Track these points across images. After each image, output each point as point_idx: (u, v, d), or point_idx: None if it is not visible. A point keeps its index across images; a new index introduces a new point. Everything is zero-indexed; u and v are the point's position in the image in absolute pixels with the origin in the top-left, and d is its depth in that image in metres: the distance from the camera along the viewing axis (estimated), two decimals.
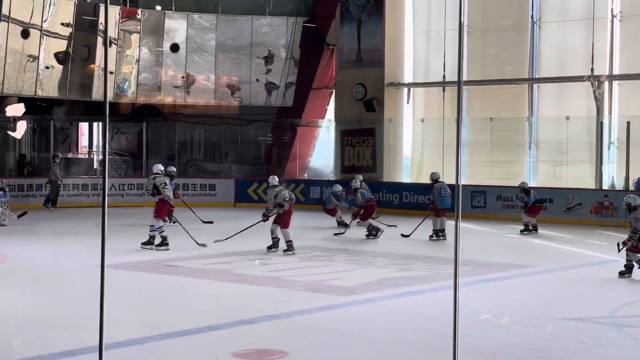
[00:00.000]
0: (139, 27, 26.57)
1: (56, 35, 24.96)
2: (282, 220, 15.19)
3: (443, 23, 25.26)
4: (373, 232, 17.82)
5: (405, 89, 26.62)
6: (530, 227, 19.05)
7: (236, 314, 9.67)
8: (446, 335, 8.63)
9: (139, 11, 26.71)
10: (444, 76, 25.47)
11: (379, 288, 11.81)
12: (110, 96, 26.39)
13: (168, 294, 11.29)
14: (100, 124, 28.54)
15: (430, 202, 18.15)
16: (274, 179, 15.82)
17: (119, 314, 9.05)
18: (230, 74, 27.53)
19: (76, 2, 25.24)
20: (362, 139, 26.32)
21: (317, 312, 10.01)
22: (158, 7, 27.30)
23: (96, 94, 25.98)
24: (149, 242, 15.49)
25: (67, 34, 25.15)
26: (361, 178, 19.29)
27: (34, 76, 24.63)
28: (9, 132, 25.23)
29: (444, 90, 25.51)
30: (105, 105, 4.01)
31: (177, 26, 27.14)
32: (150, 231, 15.57)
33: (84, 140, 29.77)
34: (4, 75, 23.84)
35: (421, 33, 26.38)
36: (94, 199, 24.77)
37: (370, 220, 18.13)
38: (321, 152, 28.34)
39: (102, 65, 25.97)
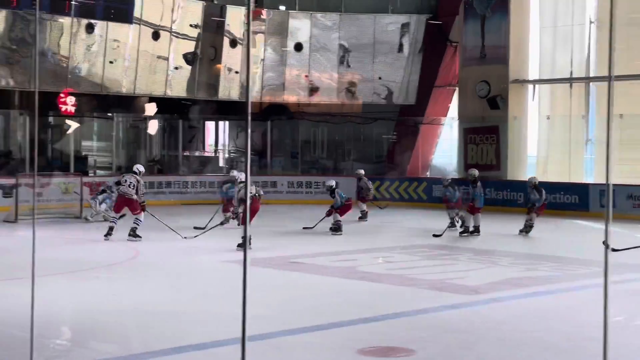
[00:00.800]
0: (263, 27, 27.03)
1: (185, 37, 25.68)
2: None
3: (570, 18, 24.66)
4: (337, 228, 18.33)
5: (530, 86, 26.10)
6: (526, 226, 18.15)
7: (361, 311, 9.73)
8: (577, 338, 8.45)
9: (264, 11, 27.17)
10: (571, 72, 24.87)
11: (505, 288, 11.65)
12: (235, 95, 26.98)
13: (294, 290, 11.45)
14: (227, 122, 29.23)
15: (470, 199, 18.14)
16: (240, 175, 16.86)
17: (247, 309, 9.24)
18: (353, 72, 27.65)
19: (204, 4, 25.92)
20: (486, 136, 25.97)
21: (442, 311, 9.97)
22: (282, 7, 27.70)
23: (222, 94, 26.61)
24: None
25: (195, 35, 25.84)
26: (332, 183, 19.46)
27: (163, 77, 25.41)
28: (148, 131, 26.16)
29: (571, 86, 24.92)
30: (247, 120, 4.14)
31: (300, 26, 27.46)
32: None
33: (210, 139, 30.51)
34: (136, 76, 24.70)
35: (547, 29, 25.81)
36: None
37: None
38: (444, 150, 28.14)
39: (228, 66, 26.58)
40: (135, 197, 16.41)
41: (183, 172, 26.82)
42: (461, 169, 26.33)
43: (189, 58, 25.91)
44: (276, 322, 9.05)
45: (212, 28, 26.18)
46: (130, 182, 16.53)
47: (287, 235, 18.24)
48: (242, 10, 26.57)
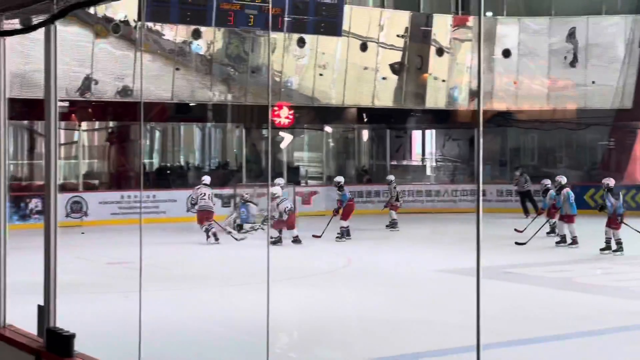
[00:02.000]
0: (470, 35, 26.79)
1: (391, 47, 25.91)
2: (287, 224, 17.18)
3: None
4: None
5: None
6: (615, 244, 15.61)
7: (581, 324, 9.42)
8: None
9: (471, 18, 26.93)
10: None
11: None
12: (442, 104, 26.93)
13: (507, 300, 11.25)
14: (434, 131, 29.19)
15: (551, 205, 17.48)
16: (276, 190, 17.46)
17: (459, 318, 9.19)
18: (564, 77, 26.79)
19: (410, 14, 26.05)
20: None
21: None
22: (489, 14, 27.34)
23: (429, 102, 26.62)
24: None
25: (402, 45, 26.01)
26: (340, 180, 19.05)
27: (371, 87, 25.76)
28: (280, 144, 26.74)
29: None
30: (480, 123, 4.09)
31: (508, 31, 26.98)
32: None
33: (417, 148, 30.58)
34: (344, 88, 25.21)
35: None
36: (428, 205, 25.42)
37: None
38: None
39: (435, 75, 26.56)
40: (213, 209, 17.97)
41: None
42: None
43: (396, 68, 26.12)
44: (489, 333, 8.92)
45: (419, 37, 26.25)
46: (209, 195, 17.92)
47: (496, 244, 17.93)
48: (448, 18, 26.47)
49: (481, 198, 3.85)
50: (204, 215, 17.79)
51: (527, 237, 17.14)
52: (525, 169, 25.74)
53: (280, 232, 17.26)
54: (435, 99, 26.76)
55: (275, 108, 23.87)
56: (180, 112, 25.08)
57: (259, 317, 7.81)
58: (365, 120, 25.46)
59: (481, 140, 3.84)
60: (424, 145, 30.56)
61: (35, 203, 20.40)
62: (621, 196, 16.42)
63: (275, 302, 10.06)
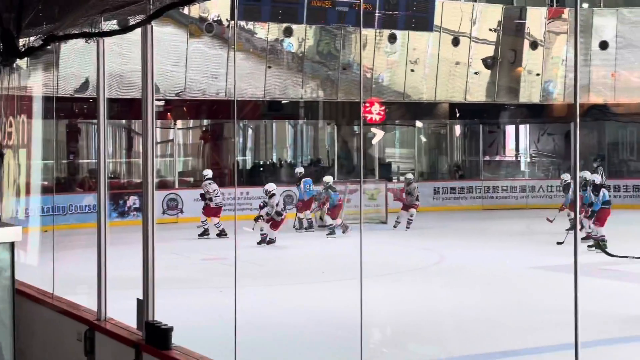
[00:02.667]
0: (565, 27, 26.22)
1: (484, 41, 25.57)
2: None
3: None
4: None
5: None
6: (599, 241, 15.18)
7: None
8: None
9: (566, 10, 26.36)
10: None
11: None
12: (536, 98, 26.45)
13: (605, 298, 10.96)
14: (528, 126, 28.68)
15: (587, 204, 16.04)
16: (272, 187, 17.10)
17: (555, 315, 9.00)
18: None
19: (503, 7, 25.66)
20: None
21: None
22: (585, 5, 26.70)
23: (523, 97, 26.20)
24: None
25: (494, 39, 25.65)
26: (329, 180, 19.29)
27: (463, 82, 25.49)
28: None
29: None
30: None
31: (605, 23, 26.29)
32: None
33: (510, 143, 30.12)
34: (436, 83, 25.02)
35: None
36: (522, 201, 25.02)
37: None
38: None
39: (529, 69, 26.11)
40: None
41: (484, 176, 26.73)
42: None
43: (489, 62, 25.77)
44: (587, 331, 8.72)
45: (512, 31, 25.84)
46: (218, 191, 18.14)
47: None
48: (542, 10, 25.97)
49: (578, 193, 3.76)
50: (218, 212, 18.23)
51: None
52: (602, 162, 25.02)
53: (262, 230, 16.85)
54: (529, 93, 26.30)
55: (367, 104, 23.86)
56: (273, 110, 25.33)
57: (352, 313, 7.84)
58: (458, 115, 25.19)
59: (577, 134, 3.73)
60: (518, 140, 30.07)
61: (133, 200, 20.89)
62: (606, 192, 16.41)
63: (369, 298, 10.07)
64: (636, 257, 13.17)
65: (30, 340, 5.63)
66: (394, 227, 19.73)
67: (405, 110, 26.52)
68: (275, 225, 16.79)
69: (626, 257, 13.58)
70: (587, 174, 17.18)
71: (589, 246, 15.23)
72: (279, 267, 14.29)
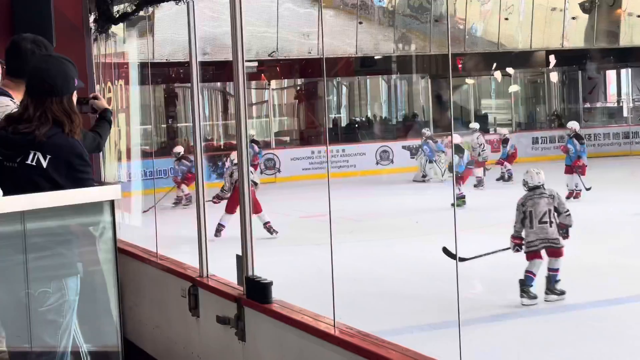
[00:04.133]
0: None
1: None
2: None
3: None
4: None
5: None
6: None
7: None
8: None
9: None
10: None
11: None
12: (638, 41, 25.62)
13: None
14: (630, 70, 27.81)
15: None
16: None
17: None
18: None
19: None
20: None
21: None
22: None
23: (624, 40, 25.38)
24: None
25: None
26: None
27: (559, 28, 24.84)
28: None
29: None
30: None
31: None
32: None
33: (612, 89, 29.29)
34: (531, 30, 24.46)
35: None
36: (625, 147, 24.39)
37: None
38: None
39: (629, 10, 25.24)
40: None
41: (585, 124, 26.10)
42: None
43: (586, 6, 25.03)
44: None
45: None
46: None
47: None
48: None
49: None
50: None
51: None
52: None
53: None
54: (630, 36, 25.46)
55: (460, 57, 23.55)
56: (365, 66, 25.22)
57: (449, 265, 7.85)
58: (555, 63, 24.58)
59: None
60: (620, 85, 29.20)
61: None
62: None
63: (465, 250, 10.06)
64: None
65: (137, 298, 5.85)
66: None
67: (500, 60, 26.03)
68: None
69: None
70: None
71: None
72: (375, 222, 14.33)
